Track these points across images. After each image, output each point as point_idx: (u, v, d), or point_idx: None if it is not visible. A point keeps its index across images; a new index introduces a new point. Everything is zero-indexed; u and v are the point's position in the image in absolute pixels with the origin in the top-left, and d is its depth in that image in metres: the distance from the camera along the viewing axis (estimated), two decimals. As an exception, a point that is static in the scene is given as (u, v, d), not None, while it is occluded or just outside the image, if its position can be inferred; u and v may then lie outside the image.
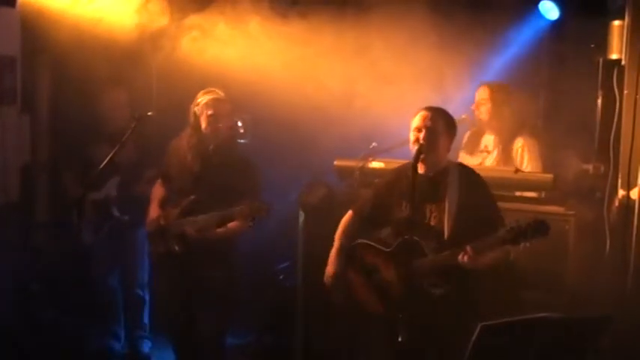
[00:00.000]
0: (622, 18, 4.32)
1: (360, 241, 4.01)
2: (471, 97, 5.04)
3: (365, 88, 5.10)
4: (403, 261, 3.72)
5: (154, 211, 4.58)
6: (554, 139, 5.22)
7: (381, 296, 3.88)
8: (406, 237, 3.70)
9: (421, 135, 3.77)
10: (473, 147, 5.08)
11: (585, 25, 5.08)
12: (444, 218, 3.74)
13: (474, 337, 2.80)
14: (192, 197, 4.39)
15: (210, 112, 4.40)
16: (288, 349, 4.98)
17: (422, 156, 3.75)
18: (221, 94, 4.46)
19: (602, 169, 4.45)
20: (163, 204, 4.58)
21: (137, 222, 4.96)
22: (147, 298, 5.46)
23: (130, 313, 5.47)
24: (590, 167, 4.61)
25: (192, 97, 4.50)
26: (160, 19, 5.05)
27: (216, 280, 4.45)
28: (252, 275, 5.30)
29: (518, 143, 4.91)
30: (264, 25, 5.09)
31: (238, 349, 5.33)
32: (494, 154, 4.99)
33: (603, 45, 4.49)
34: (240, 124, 5.78)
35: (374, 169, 4.70)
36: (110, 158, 4.41)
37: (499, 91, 4.97)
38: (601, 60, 4.51)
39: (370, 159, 4.75)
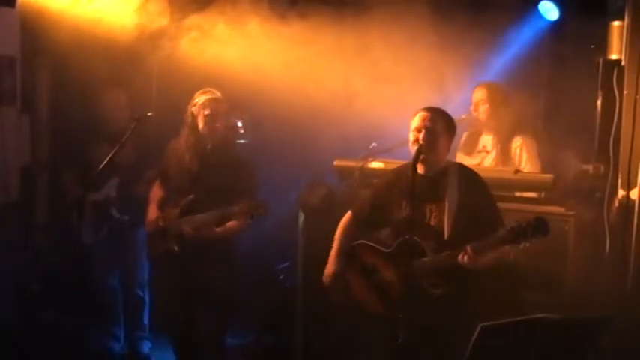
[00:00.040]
0: (622, 18, 4.32)
1: (359, 241, 4.01)
2: (470, 98, 5.05)
3: (365, 88, 5.10)
4: (403, 261, 3.72)
5: (152, 212, 4.58)
6: (554, 139, 5.23)
7: (381, 296, 3.88)
8: (406, 237, 3.70)
9: (421, 135, 3.78)
10: (471, 148, 5.09)
11: (585, 25, 5.08)
12: (444, 218, 3.74)
13: (473, 338, 2.80)
14: (191, 197, 4.40)
15: (207, 112, 4.41)
16: (288, 349, 4.99)
17: (421, 156, 3.75)
18: (218, 94, 4.47)
19: (602, 169, 4.45)
20: (162, 205, 4.58)
21: (137, 222, 4.96)
22: (147, 298, 5.47)
23: (130, 314, 5.47)
24: (589, 168, 4.61)
25: (192, 97, 4.51)
26: (160, 19, 5.05)
27: (216, 280, 4.46)
28: (252, 275, 5.30)
29: (517, 143, 4.91)
30: (264, 26, 5.09)
31: (238, 349, 5.34)
32: (493, 154, 4.99)
33: (603, 45, 4.49)
34: (240, 124, 5.79)
35: (374, 170, 4.70)
36: (110, 159, 4.42)
37: (496, 91, 4.98)
38: (601, 60, 4.51)
39: (370, 159, 4.74)
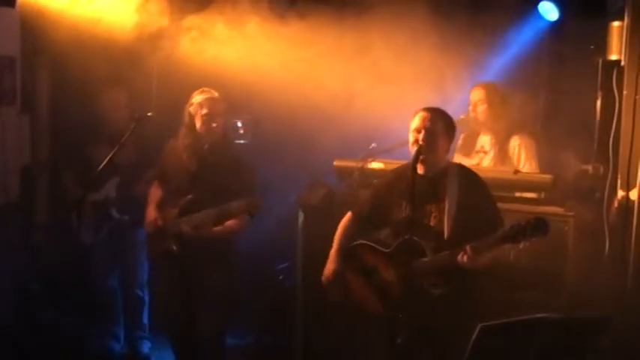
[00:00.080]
0: (621, 19, 4.32)
1: (359, 241, 4.01)
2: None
3: (365, 88, 5.10)
4: (403, 261, 3.72)
5: (151, 213, 4.58)
6: (553, 139, 5.23)
7: (381, 296, 3.88)
8: (406, 237, 3.70)
9: (420, 136, 3.78)
10: (469, 148, 5.09)
11: (585, 25, 5.09)
12: (444, 219, 3.74)
13: (473, 338, 2.80)
14: (190, 197, 4.40)
15: (204, 112, 4.42)
16: (288, 350, 4.99)
17: (421, 157, 3.75)
18: (215, 93, 4.47)
19: (602, 169, 4.45)
20: (161, 205, 4.58)
21: (137, 222, 4.95)
22: (146, 298, 5.47)
23: (130, 314, 5.47)
24: (589, 168, 4.61)
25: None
26: (160, 19, 5.05)
27: (215, 280, 4.46)
28: (252, 275, 5.30)
29: (515, 142, 4.92)
30: (264, 26, 5.09)
31: (238, 349, 5.34)
32: (491, 154, 5.00)
33: (603, 46, 4.49)
34: (240, 124, 5.79)
35: (374, 170, 4.70)
36: (110, 159, 4.41)
37: (494, 91, 4.99)
38: (600, 61, 4.51)
39: (370, 159, 4.75)
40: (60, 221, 5.56)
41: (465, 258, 3.58)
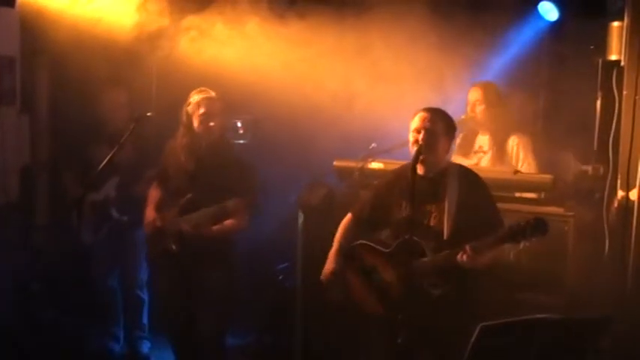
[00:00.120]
0: (621, 19, 4.31)
1: (359, 241, 4.01)
2: (470, 98, 5.05)
3: (365, 88, 5.09)
4: (402, 261, 3.72)
5: (150, 214, 4.58)
6: (553, 139, 5.23)
7: (381, 297, 3.88)
8: (406, 237, 3.70)
9: (420, 136, 3.78)
10: (467, 149, 5.09)
11: (585, 26, 5.09)
12: (444, 219, 3.74)
13: (473, 338, 2.80)
14: (189, 196, 4.40)
15: (201, 111, 4.43)
16: (288, 350, 4.99)
17: (421, 157, 3.75)
18: (212, 93, 4.49)
19: (602, 170, 4.45)
20: (160, 206, 4.58)
21: (136, 223, 4.95)
22: (146, 298, 5.46)
23: (130, 314, 5.47)
24: (589, 168, 4.61)
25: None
26: (159, 19, 5.05)
27: (215, 280, 4.46)
28: (251, 275, 5.30)
29: (514, 141, 4.92)
30: (263, 26, 5.09)
31: (238, 349, 5.34)
32: (490, 154, 4.99)
33: (602, 46, 4.48)
34: (239, 124, 5.79)
35: (374, 170, 4.70)
36: (109, 159, 4.42)
37: (492, 91, 4.98)
38: (600, 61, 4.51)
39: (370, 160, 4.74)
40: (60, 221, 5.57)
41: (465, 258, 3.58)
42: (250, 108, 5.76)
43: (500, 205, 3.88)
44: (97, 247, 5.27)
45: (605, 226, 4.31)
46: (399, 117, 4.28)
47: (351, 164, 4.77)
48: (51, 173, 5.87)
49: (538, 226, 3.47)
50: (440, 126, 3.81)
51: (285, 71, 5.10)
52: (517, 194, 4.62)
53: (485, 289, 3.85)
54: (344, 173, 4.85)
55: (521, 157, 4.87)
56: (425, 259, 3.71)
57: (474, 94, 4.99)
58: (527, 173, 4.64)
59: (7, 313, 5.35)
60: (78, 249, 5.27)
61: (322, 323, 4.71)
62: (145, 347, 5.46)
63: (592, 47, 4.89)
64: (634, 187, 4.15)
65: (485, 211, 3.78)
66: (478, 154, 5.05)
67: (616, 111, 4.31)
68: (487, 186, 3.88)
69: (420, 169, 3.78)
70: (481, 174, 3.96)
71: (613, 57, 4.39)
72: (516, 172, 4.50)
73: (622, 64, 4.29)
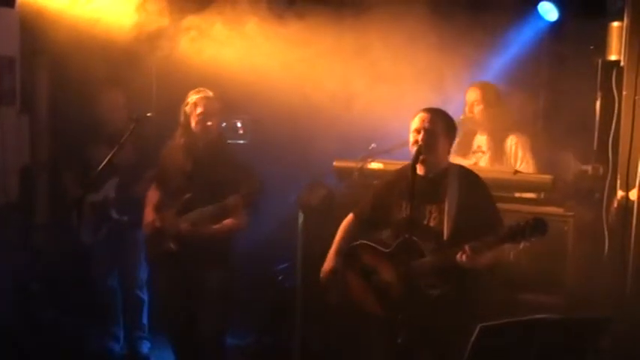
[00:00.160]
0: (621, 19, 4.31)
1: (360, 241, 4.01)
2: (470, 98, 5.05)
3: (364, 88, 5.09)
4: (402, 261, 3.72)
5: (149, 215, 4.59)
6: (553, 139, 5.22)
7: (380, 297, 3.88)
8: (405, 237, 3.70)
9: (420, 136, 3.78)
10: (465, 149, 5.08)
11: (584, 26, 5.09)
12: (444, 219, 3.74)
13: (473, 338, 2.80)
14: (188, 195, 4.40)
15: (199, 111, 4.44)
16: (288, 350, 4.98)
17: (421, 157, 3.75)
18: (210, 93, 4.50)
19: (601, 170, 4.45)
20: (158, 207, 4.58)
21: (136, 223, 4.95)
22: (146, 298, 5.46)
23: (129, 314, 5.47)
24: (589, 168, 4.61)
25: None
26: (159, 19, 5.05)
27: (215, 279, 4.47)
28: (251, 276, 5.31)
29: (512, 140, 4.92)
30: (262, 26, 5.08)
31: (238, 349, 5.34)
32: (489, 153, 4.99)
33: (602, 46, 4.48)
34: (239, 124, 5.79)
35: (373, 170, 4.70)
36: (109, 159, 4.42)
37: (490, 91, 4.98)
38: (600, 61, 4.51)
39: (369, 160, 4.74)
40: (59, 221, 5.57)
41: (464, 258, 3.58)
42: (250, 108, 5.76)
43: (500, 205, 3.88)
44: (97, 248, 5.27)
45: (605, 226, 4.31)
46: (398, 117, 4.28)
47: (351, 164, 4.77)
48: (51, 173, 5.87)
49: (537, 226, 3.48)
50: (440, 126, 3.81)
51: (285, 71, 5.09)
52: (517, 194, 4.63)
53: (485, 289, 3.85)
54: (343, 173, 4.85)
55: (519, 156, 4.88)
56: (424, 260, 3.71)
57: (472, 95, 4.99)
58: (527, 173, 4.64)
59: (7, 313, 5.35)
60: (78, 249, 5.27)
61: (322, 323, 4.71)
62: (145, 347, 5.46)
63: (592, 47, 4.89)
64: (634, 187, 4.14)
65: (485, 211, 3.78)
66: (477, 154, 5.05)
67: (616, 111, 4.31)
68: (487, 186, 3.88)
69: (420, 170, 3.78)
70: (481, 174, 3.96)
71: (613, 57, 4.39)
72: (516, 172, 4.50)
73: (622, 64, 4.29)
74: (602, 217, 4.33)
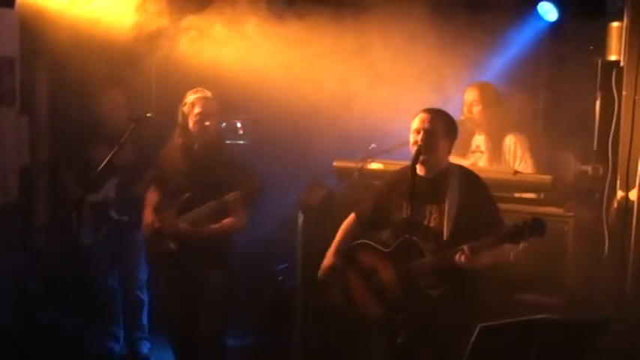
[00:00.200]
0: (621, 19, 4.31)
1: (360, 241, 4.01)
2: (470, 99, 5.05)
3: (364, 88, 5.09)
4: (402, 261, 3.72)
5: (148, 216, 4.59)
6: (553, 139, 5.22)
7: (380, 297, 3.88)
8: (405, 237, 3.70)
9: (419, 137, 3.78)
10: (464, 149, 5.08)
11: (584, 26, 5.09)
12: (444, 220, 3.74)
13: (473, 338, 2.80)
14: (187, 195, 4.40)
15: (197, 111, 4.44)
16: (288, 350, 4.98)
17: (421, 158, 3.75)
18: (208, 93, 4.50)
19: (601, 170, 4.45)
20: (157, 208, 4.58)
21: (136, 223, 4.95)
22: (146, 299, 5.46)
23: (129, 314, 5.47)
24: (589, 168, 4.61)
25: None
26: (158, 19, 5.04)
27: (215, 280, 4.46)
28: (251, 276, 5.31)
29: (510, 140, 4.92)
30: (262, 26, 5.08)
31: (238, 350, 5.34)
32: (487, 153, 4.99)
33: (602, 46, 4.48)
34: (239, 124, 5.79)
35: (373, 171, 4.70)
36: (109, 159, 4.42)
37: (489, 91, 4.98)
38: (600, 61, 4.51)
39: (369, 160, 4.74)
40: (59, 222, 5.57)
41: (463, 258, 3.59)
42: (249, 108, 5.76)
43: (499, 206, 3.88)
44: (97, 248, 5.27)
45: (605, 226, 4.31)
46: (398, 117, 4.28)
47: (351, 165, 4.77)
48: (50, 174, 5.87)
49: (536, 226, 3.48)
50: (440, 127, 3.81)
51: (284, 71, 5.09)
52: (517, 195, 4.62)
53: (484, 290, 3.85)
54: (343, 174, 4.85)
55: (518, 156, 4.88)
56: (423, 260, 3.71)
57: (471, 95, 4.98)
58: (527, 174, 4.64)
59: (7, 313, 5.35)
60: (78, 249, 5.27)
61: (322, 323, 4.71)
62: (145, 348, 5.46)
63: (591, 47, 4.90)
64: (633, 187, 4.14)
65: (485, 212, 3.78)
66: (475, 154, 5.05)
67: (615, 111, 4.31)
68: (487, 187, 3.88)
69: (420, 170, 3.79)
70: (481, 174, 3.96)
71: (612, 57, 4.39)
72: (516, 172, 4.50)
73: (621, 64, 4.29)
74: (602, 217, 4.33)
